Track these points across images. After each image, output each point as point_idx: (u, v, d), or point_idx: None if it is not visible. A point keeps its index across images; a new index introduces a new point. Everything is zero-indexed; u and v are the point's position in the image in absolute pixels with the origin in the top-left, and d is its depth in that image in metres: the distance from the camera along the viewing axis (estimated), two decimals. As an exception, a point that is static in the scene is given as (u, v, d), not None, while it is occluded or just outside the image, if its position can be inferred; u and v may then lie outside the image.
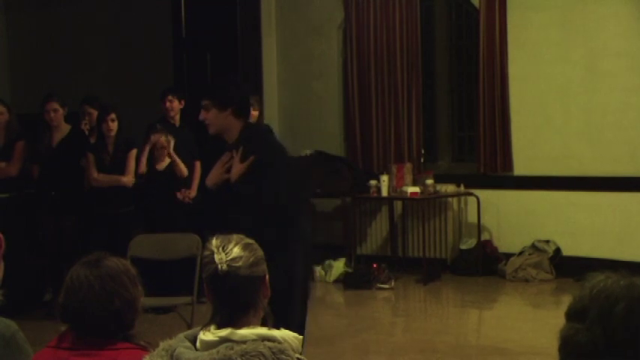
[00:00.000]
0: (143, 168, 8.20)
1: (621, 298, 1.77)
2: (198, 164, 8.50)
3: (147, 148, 8.23)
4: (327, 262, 9.47)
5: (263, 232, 4.60)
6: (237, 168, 4.82)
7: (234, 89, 5.02)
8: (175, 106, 8.62)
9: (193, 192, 8.34)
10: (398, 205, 9.87)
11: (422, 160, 9.86)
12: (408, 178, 9.46)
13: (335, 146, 10.26)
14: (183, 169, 8.18)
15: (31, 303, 7.92)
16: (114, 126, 8.06)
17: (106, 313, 2.63)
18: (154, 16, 10.89)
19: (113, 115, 8.07)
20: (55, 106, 8.17)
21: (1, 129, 8.13)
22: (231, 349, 2.39)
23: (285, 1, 10.61)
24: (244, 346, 2.39)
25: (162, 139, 8.21)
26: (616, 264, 8.09)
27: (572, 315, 1.81)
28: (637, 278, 1.80)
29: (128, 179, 8.10)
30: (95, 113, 8.47)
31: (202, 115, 4.88)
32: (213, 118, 4.85)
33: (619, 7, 8.59)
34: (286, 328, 2.51)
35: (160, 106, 8.67)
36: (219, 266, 2.47)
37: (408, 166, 9.57)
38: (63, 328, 2.71)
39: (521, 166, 9.24)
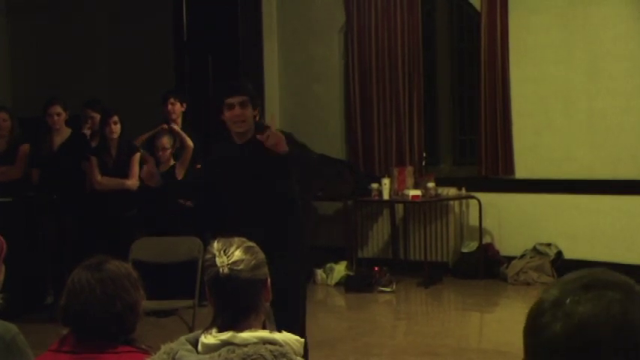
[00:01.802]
0: (139, 141, 8.28)
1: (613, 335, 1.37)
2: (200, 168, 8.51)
3: (149, 133, 8.32)
4: (328, 265, 9.46)
5: (287, 222, 4.74)
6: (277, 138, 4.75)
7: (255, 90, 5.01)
8: (177, 108, 8.62)
9: None
10: (399, 209, 9.86)
11: (423, 163, 9.85)
12: (410, 181, 9.45)
13: (336, 149, 10.26)
14: (188, 141, 8.19)
15: (32, 306, 7.92)
16: (116, 129, 8.07)
17: (107, 317, 2.63)
18: (156, 19, 10.90)
19: (116, 118, 8.08)
20: (59, 109, 8.19)
21: (3, 135, 8.17)
22: (233, 352, 2.39)
23: (287, 4, 10.62)
24: (246, 349, 2.39)
25: (165, 140, 8.23)
26: (618, 267, 8.08)
27: (550, 349, 1.39)
28: (626, 300, 1.40)
29: (132, 183, 8.11)
30: (98, 117, 8.48)
31: (240, 112, 4.79)
32: (249, 115, 4.81)
33: (620, 10, 8.58)
34: (289, 329, 2.52)
35: (162, 109, 8.67)
36: (221, 269, 2.47)
37: (410, 169, 9.57)
38: (64, 331, 2.71)
39: (523, 169, 9.24)
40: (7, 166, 8.10)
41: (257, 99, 4.88)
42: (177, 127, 8.33)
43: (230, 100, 4.82)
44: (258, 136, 4.80)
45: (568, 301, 1.39)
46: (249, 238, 4.75)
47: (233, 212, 4.93)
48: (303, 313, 5.06)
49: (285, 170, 4.82)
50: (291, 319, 4.82)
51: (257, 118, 4.91)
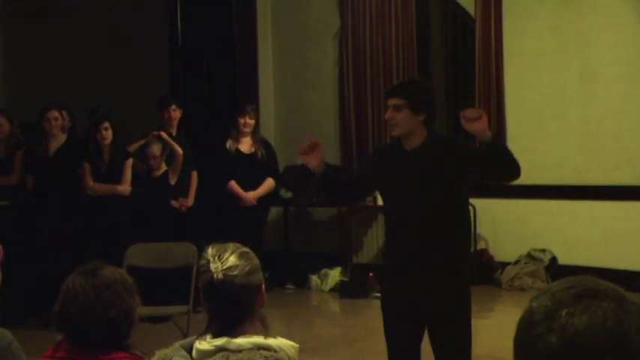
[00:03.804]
0: (131, 149, 8.29)
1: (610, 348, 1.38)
2: (194, 174, 8.51)
3: (141, 142, 8.33)
4: (322, 270, 9.46)
5: (453, 234, 4.55)
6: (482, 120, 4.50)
7: (431, 94, 4.68)
8: (177, 115, 8.65)
9: (190, 201, 8.37)
10: (394, 214, 9.85)
11: (418, 168, 9.83)
12: (404, 186, 9.44)
13: (331, 155, 10.24)
14: (177, 148, 8.20)
15: (28, 312, 7.89)
16: (108, 134, 8.08)
17: (101, 322, 2.63)
18: (150, 24, 10.89)
19: (106, 124, 8.11)
20: (56, 114, 8.21)
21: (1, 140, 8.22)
22: (227, 358, 2.40)
23: (281, 9, 10.63)
24: (240, 355, 2.39)
25: (155, 148, 8.23)
26: (612, 273, 8.09)
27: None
28: (620, 309, 1.41)
29: (124, 188, 8.11)
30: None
31: (390, 114, 4.48)
32: (404, 119, 4.45)
33: (614, 16, 8.60)
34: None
35: (158, 114, 8.66)
36: (215, 275, 2.47)
37: (404, 174, 9.55)
38: (58, 337, 2.71)
39: (517, 175, 9.23)
40: (5, 172, 8.15)
41: (423, 103, 4.48)
42: (165, 135, 8.32)
43: (387, 102, 4.57)
44: (461, 113, 4.49)
45: (564, 313, 1.39)
46: (408, 250, 4.48)
47: (392, 221, 4.63)
48: (470, 337, 4.67)
49: (455, 179, 4.47)
50: (457, 345, 4.61)
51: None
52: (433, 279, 4.45)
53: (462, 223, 4.64)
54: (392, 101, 4.51)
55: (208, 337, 2.48)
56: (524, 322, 1.44)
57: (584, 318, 1.38)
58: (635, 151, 8.52)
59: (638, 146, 8.50)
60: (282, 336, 2.56)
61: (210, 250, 2.53)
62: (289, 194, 9.88)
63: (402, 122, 4.46)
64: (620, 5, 8.57)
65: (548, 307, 1.41)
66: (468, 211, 4.78)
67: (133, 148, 8.37)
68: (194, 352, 2.46)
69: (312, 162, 4.74)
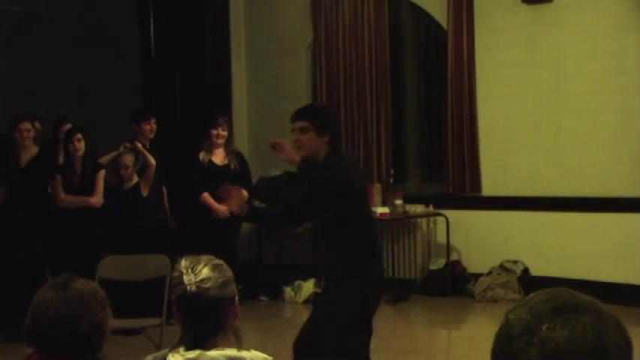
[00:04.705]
0: (103, 161, 8.28)
1: None
2: (164, 191, 8.51)
3: (114, 153, 8.30)
4: (296, 282, 9.45)
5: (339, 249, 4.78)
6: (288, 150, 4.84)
7: (332, 117, 5.05)
8: (155, 128, 8.61)
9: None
10: (367, 226, 9.85)
11: (391, 180, 9.87)
12: (377, 198, 9.47)
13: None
14: (150, 159, 8.18)
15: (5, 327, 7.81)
16: (80, 146, 8.03)
17: (72, 336, 2.61)
18: (123, 36, 10.86)
19: (79, 135, 8.06)
20: (28, 126, 8.17)
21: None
22: (200, 370, 2.38)
23: (255, 21, 10.63)
24: (213, 367, 2.38)
25: (127, 158, 8.20)
26: (584, 284, 8.14)
27: None
28: (598, 323, 1.41)
29: (96, 200, 8.06)
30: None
31: (297, 136, 4.80)
32: (309, 140, 4.77)
33: (585, 29, 8.66)
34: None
35: (135, 127, 8.59)
36: (188, 287, 2.46)
37: (377, 186, 9.58)
38: (29, 350, 2.68)
39: (490, 187, 9.29)
40: None
41: (326, 124, 4.83)
42: (139, 145, 8.29)
43: (291, 126, 4.86)
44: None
45: (544, 327, 1.39)
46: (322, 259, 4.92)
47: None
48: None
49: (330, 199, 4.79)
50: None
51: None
52: (329, 287, 4.92)
53: (351, 235, 4.82)
54: (298, 124, 4.82)
55: (181, 349, 2.47)
56: (503, 336, 1.44)
57: (565, 332, 1.38)
58: (606, 163, 8.58)
59: (609, 159, 8.56)
60: (256, 348, 2.55)
61: (183, 262, 2.52)
62: (262, 206, 9.86)
63: (307, 143, 4.78)
64: (591, 18, 8.63)
65: (528, 320, 1.42)
66: (356, 225, 4.89)
67: (105, 160, 8.34)
68: (167, 365, 2.44)
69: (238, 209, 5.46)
